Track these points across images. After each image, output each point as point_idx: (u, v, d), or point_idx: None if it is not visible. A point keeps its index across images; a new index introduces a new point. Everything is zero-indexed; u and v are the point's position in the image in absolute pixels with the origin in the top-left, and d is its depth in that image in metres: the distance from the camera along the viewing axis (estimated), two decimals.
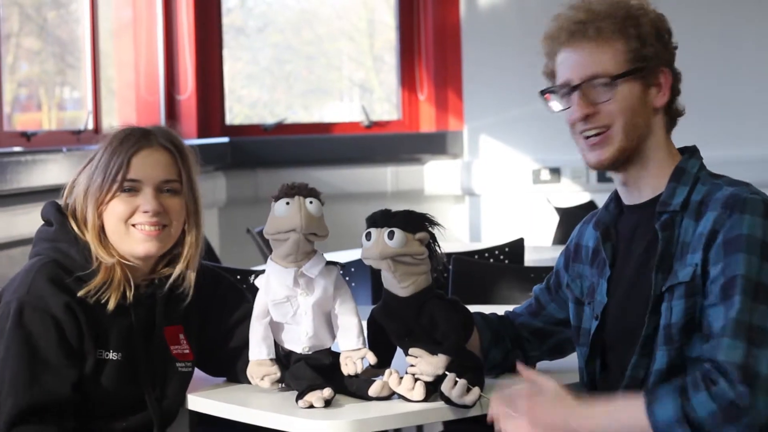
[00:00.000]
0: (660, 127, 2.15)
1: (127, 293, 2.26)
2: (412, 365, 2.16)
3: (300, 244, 2.19)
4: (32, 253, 2.29)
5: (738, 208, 2.01)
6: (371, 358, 2.20)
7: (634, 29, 2.12)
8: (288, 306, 2.23)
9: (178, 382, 2.32)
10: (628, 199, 2.20)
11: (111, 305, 2.23)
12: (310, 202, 2.18)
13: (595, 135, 2.13)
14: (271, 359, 2.25)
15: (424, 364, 2.14)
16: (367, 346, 2.22)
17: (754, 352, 1.90)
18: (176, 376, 2.32)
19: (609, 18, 2.12)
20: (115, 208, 2.27)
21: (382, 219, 2.15)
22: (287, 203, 2.18)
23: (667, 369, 2.04)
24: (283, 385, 2.25)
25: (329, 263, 2.25)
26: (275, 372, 2.24)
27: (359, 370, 2.20)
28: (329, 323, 2.25)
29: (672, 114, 2.17)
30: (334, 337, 2.26)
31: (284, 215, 2.17)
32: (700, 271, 2.02)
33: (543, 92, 2.20)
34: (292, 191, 2.19)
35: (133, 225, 2.27)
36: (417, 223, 2.16)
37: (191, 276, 2.33)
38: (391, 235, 2.12)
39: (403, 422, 2.12)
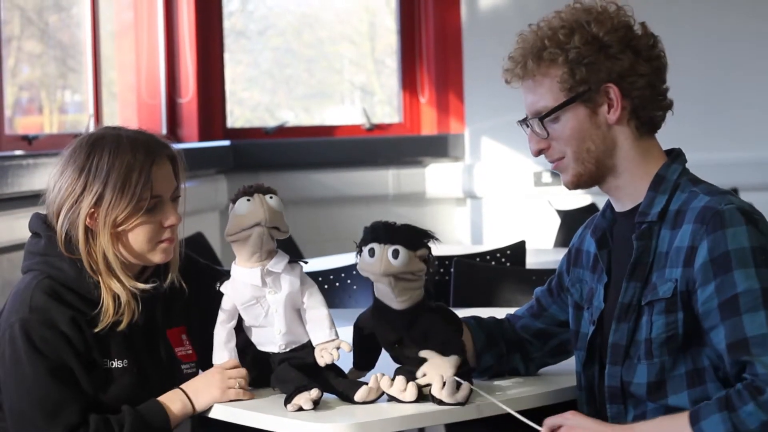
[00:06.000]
0: (626, 137, 2.11)
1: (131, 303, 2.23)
2: (423, 374, 2.13)
3: (264, 239, 2.18)
4: (24, 267, 2.26)
5: (716, 224, 1.99)
6: (346, 347, 2.19)
7: (563, 55, 2.08)
8: (258, 307, 2.23)
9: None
10: (617, 207, 2.20)
11: (123, 326, 2.21)
12: (270, 197, 2.20)
13: (555, 162, 2.15)
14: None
15: (436, 365, 2.12)
16: (339, 337, 2.21)
17: None
18: (182, 378, 2.30)
19: (534, 51, 2.10)
20: (141, 232, 2.22)
21: (385, 234, 2.11)
22: (248, 200, 2.19)
23: (647, 384, 2.04)
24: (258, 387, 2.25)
25: (292, 260, 2.24)
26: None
27: (336, 359, 2.19)
28: (301, 319, 2.24)
29: (643, 118, 2.11)
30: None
31: (247, 211, 2.18)
32: (683, 287, 2.01)
33: (519, 123, 2.21)
34: (251, 189, 2.21)
35: (158, 242, 2.25)
36: (419, 239, 2.13)
37: (176, 273, 2.32)
38: (395, 254, 2.09)
39: (405, 425, 2.10)
